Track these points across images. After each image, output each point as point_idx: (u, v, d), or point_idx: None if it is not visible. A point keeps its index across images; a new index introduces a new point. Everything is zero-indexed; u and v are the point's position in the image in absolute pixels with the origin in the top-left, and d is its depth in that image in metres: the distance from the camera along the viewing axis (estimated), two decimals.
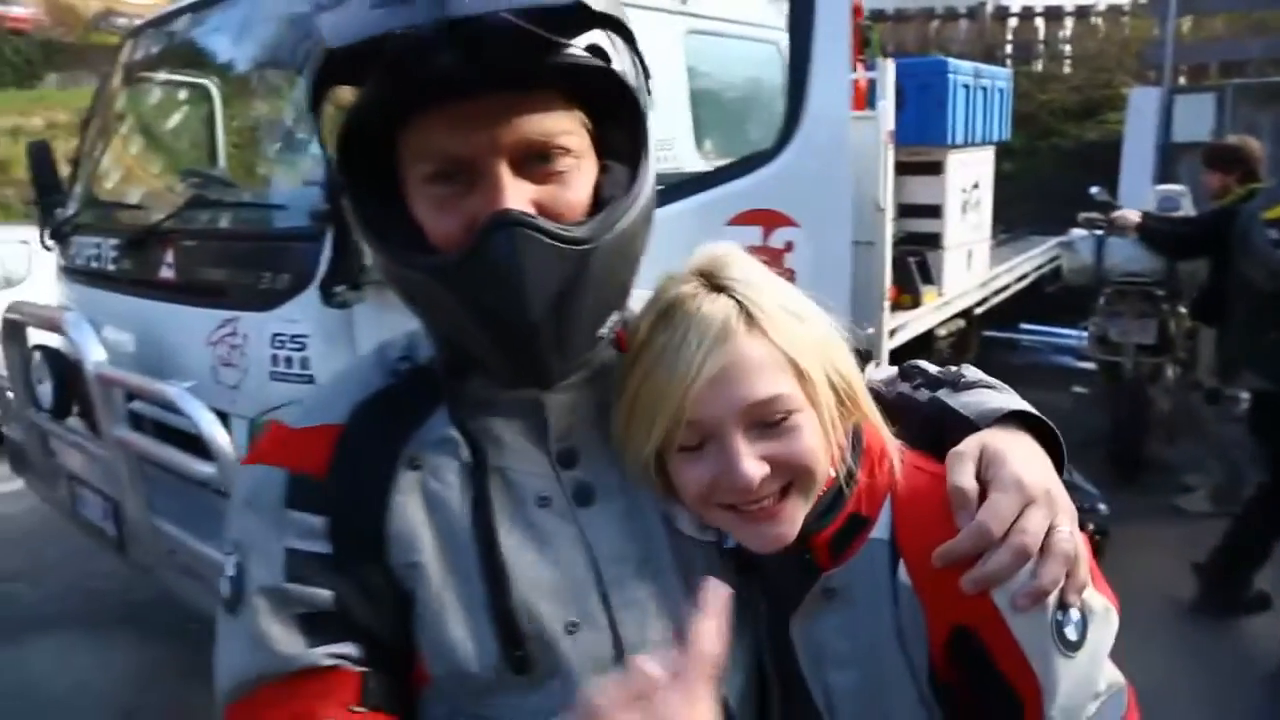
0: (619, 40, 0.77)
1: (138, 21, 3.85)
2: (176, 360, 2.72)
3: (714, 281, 0.81)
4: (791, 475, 0.81)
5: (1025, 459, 0.83)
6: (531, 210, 0.73)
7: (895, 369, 1.05)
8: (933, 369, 1.02)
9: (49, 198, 3.68)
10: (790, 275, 2.07)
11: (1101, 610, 0.81)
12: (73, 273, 3.38)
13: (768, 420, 0.79)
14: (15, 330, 3.17)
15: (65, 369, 2.96)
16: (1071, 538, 0.79)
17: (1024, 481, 0.80)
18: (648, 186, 0.81)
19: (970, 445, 0.84)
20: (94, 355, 2.71)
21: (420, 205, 0.76)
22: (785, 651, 0.86)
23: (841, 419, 0.84)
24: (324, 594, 0.78)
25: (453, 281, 0.74)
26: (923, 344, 5.09)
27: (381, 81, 0.69)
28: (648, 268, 2.25)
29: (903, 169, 4.53)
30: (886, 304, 4.03)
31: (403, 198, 0.77)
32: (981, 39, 11.08)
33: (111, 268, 3.08)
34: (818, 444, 0.81)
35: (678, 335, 0.79)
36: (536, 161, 0.74)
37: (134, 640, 3.77)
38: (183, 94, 3.91)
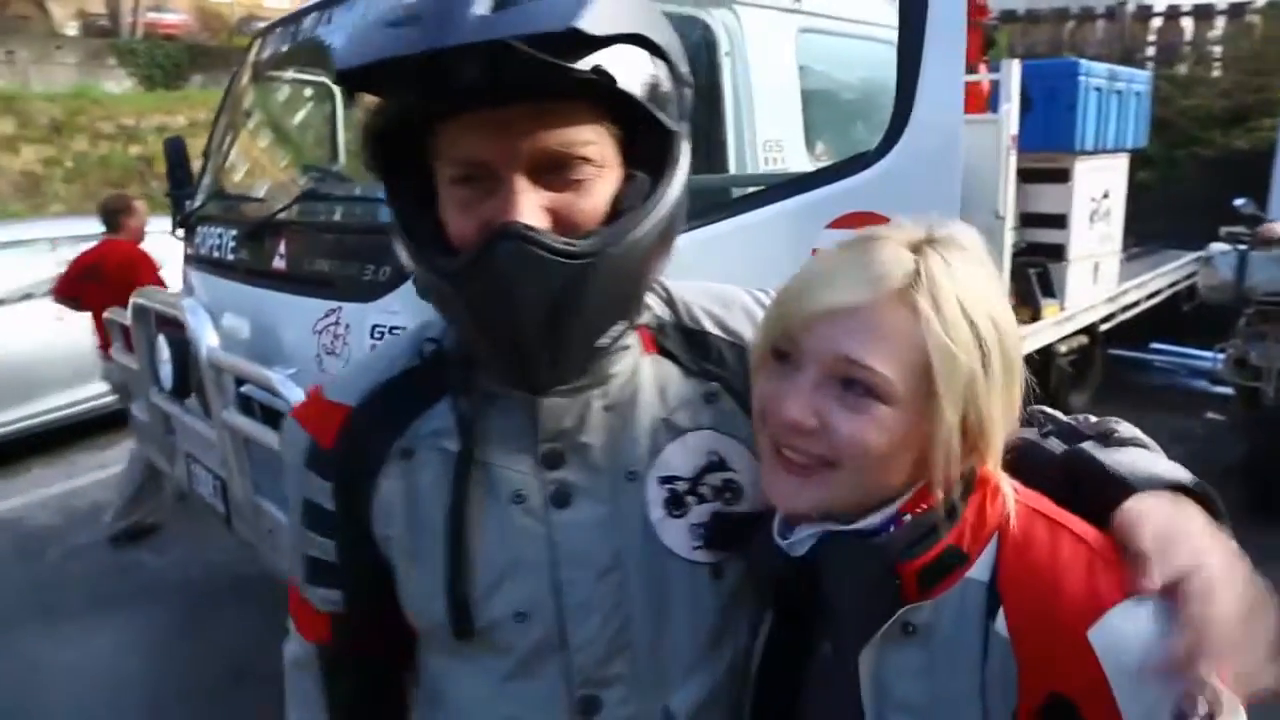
0: (641, 55, 0.76)
1: None
2: (286, 347, 2.82)
3: (917, 241, 0.76)
4: (835, 454, 0.75)
5: (1204, 529, 0.75)
6: (545, 219, 0.75)
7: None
8: (1063, 417, 0.92)
9: (180, 190, 3.88)
10: None
11: (1229, 705, 0.69)
12: (196, 261, 3.55)
13: (849, 386, 0.73)
14: (143, 315, 3.35)
15: (184, 352, 3.10)
16: (1252, 636, 0.69)
17: (1206, 556, 0.72)
18: (670, 197, 0.80)
19: (1150, 508, 0.75)
20: (208, 340, 2.83)
21: (446, 205, 0.79)
22: (843, 684, 0.78)
23: (960, 457, 0.76)
24: (326, 543, 0.95)
25: (456, 285, 0.77)
26: (1042, 360, 4.85)
27: (398, 96, 0.74)
28: (745, 271, 2.18)
29: (1026, 176, 4.33)
30: None
31: (435, 198, 0.80)
32: (1120, 40, 10.50)
33: (230, 257, 3.22)
34: (879, 445, 0.73)
35: (838, 260, 0.76)
36: (555, 169, 0.76)
37: (245, 609, 3.94)
38: (307, 92, 4.06)
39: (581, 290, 0.75)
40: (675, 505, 0.89)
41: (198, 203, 3.73)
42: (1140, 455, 0.83)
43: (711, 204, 2.35)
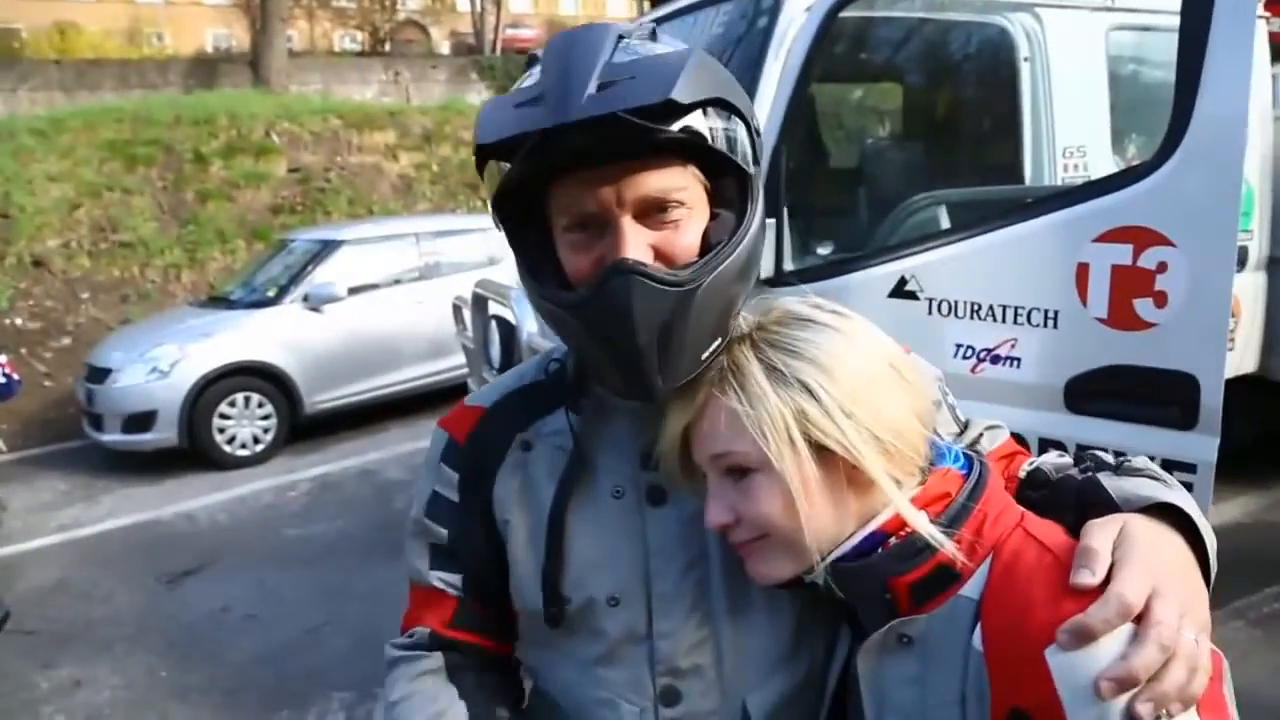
0: (723, 114, 0.88)
1: None
2: None
3: (752, 332, 0.91)
4: (759, 531, 0.86)
5: (1163, 547, 0.79)
6: (649, 255, 0.86)
7: (1073, 456, 1.00)
8: (1109, 456, 0.95)
9: None
10: (1162, 298, 1.93)
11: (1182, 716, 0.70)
12: None
13: (732, 475, 0.87)
14: (480, 302, 3.92)
15: (511, 336, 3.61)
16: (1197, 646, 0.71)
17: (1158, 567, 0.75)
18: (752, 231, 0.91)
19: (1109, 520, 0.81)
20: (528, 326, 3.29)
21: (562, 249, 0.90)
22: (853, 683, 0.89)
23: (899, 466, 0.85)
24: (442, 530, 1.06)
25: (579, 314, 0.87)
26: None
27: (525, 161, 0.83)
28: (1009, 284, 2.16)
29: None
30: None
31: (552, 246, 0.92)
32: None
33: None
34: (776, 505, 0.84)
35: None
36: (655, 212, 0.87)
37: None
38: None
39: (685, 313, 0.85)
40: None
41: None
42: (1142, 483, 0.86)
43: (983, 215, 2.37)
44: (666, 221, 0.88)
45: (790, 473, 0.83)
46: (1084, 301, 1.97)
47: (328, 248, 7.53)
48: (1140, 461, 0.93)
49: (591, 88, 0.80)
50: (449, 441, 1.08)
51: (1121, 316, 1.92)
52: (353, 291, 7.22)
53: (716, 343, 0.92)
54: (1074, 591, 0.74)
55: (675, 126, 0.83)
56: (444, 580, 1.07)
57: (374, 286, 7.43)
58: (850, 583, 0.86)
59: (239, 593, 4.63)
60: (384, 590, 4.36)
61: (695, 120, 0.85)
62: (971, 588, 0.81)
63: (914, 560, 0.83)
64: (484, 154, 0.87)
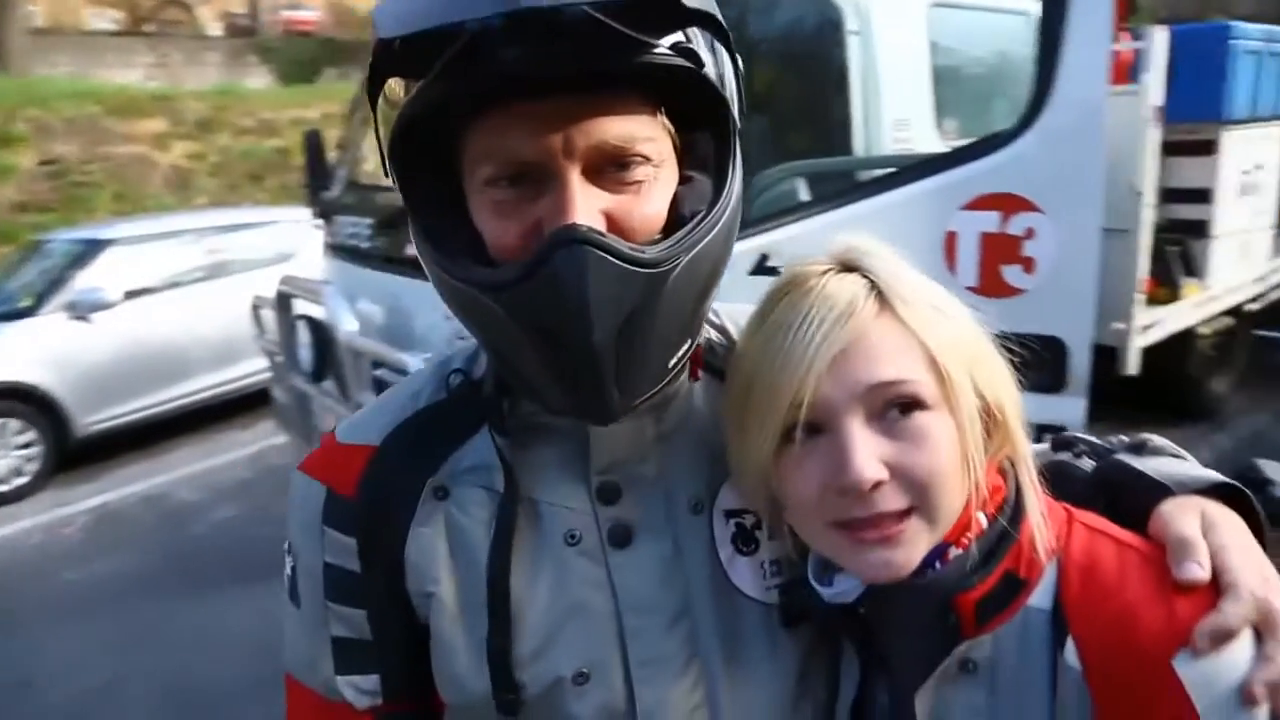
0: (712, 39, 0.69)
1: None
2: (419, 333, 2.93)
3: (845, 262, 0.73)
4: (915, 495, 0.68)
5: (1244, 530, 0.71)
6: (601, 223, 0.65)
7: (1047, 444, 0.90)
8: (1096, 439, 0.87)
9: (318, 181, 4.07)
10: (1030, 264, 1.94)
11: None
12: (334, 249, 3.72)
13: (891, 412, 0.68)
14: (284, 301, 3.54)
15: (323, 337, 3.27)
16: None
17: (1254, 552, 0.69)
18: (734, 202, 0.72)
19: (1183, 505, 0.72)
20: (346, 325, 2.97)
21: (480, 209, 0.69)
22: None
23: (986, 446, 0.71)
24: (356, 614, 0.81)
25: (509, 299, 0.65)
26: (1181, 343, 4.60)
27: (443, 77, 0.61)
28: None
29: (1170, 149, 4.09)
30: (1140, 298, 3.66)
31: (462, 203, 0.71)
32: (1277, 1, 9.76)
33: (366, 245, 3.36)
34: (950, 458, 0.69)
35: (797, 313, 0.70)
36: (611, 169, 0.67)
37: None
38: None
39: (654, 304, 0.66)
40: (744, 541, 0.80)
41: (334, 193, 3.90)
42: (1174, 463, 0.80)
43: (844, 186, 2.32)
44: (626, 182, 0.67)
45: (970, 412, 0.69)
46: (952, 270, 1.95)
47: (93, 248, 6.68)
48: (1160, 441, 0.83)
49: None
50: (329, 496, 0.81)
51: (991, 284, 1.92)
52: (128, 296, 6.44)
53: (686, 345, 0.74)
54: (1181, 589, 0.67)
55: (665, 43, 0.62)
56: (357, 687, 0.81)
57: (152, 290, 6.66)
58: (901, 606, 0.72)
59: (7, 656, 3.96)
60: (187, 630, 3.88)
61: (691, 38, 0.65)
62: (1041, 597, 0.71)
63: (981, 572, 0.71)
64: (385, 63, 0.63)
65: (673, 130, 0.71)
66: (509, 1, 0.57)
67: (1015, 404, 0.73)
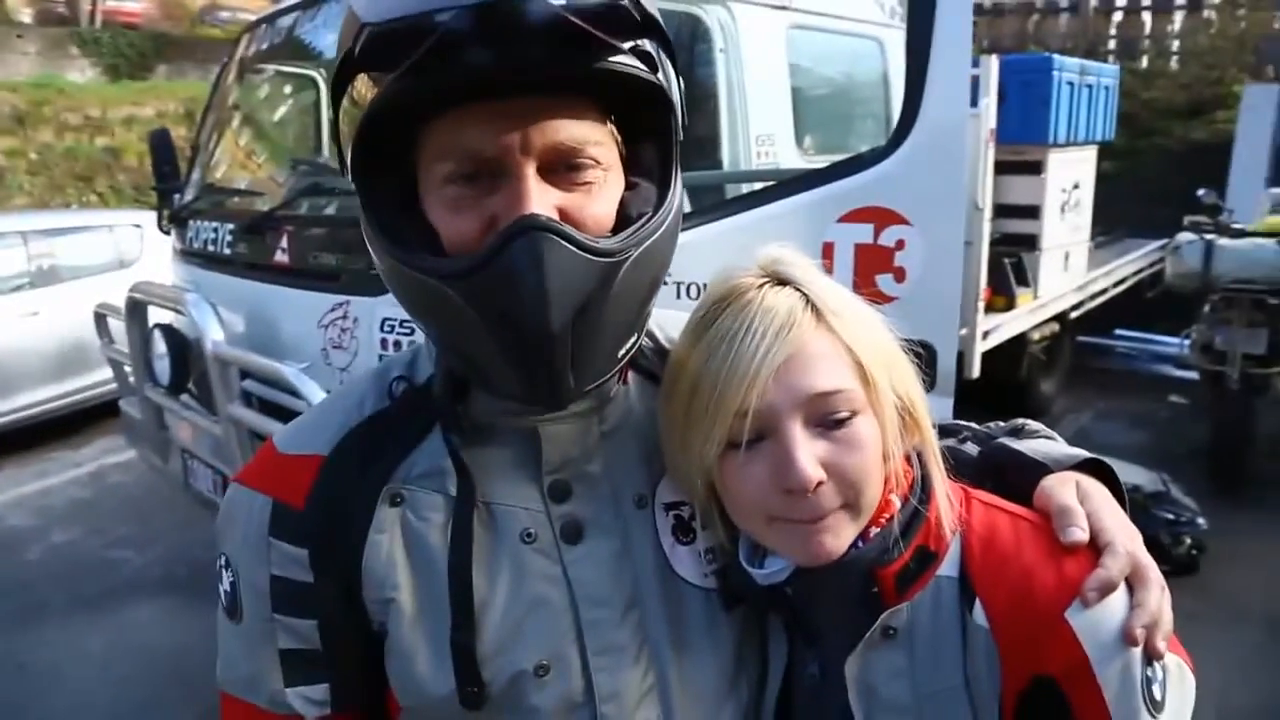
0: (660, 51, 0.73)
1: (241, 15, 4.00)
2: (288, 341, 2.83)
3: (778, 275, 0.79)
4: (847, 492, 0.76)
5: (1109, 497, 0.82)
6: (556, 217, 0.69)
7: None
8: (978, 426, 0.99)
9: (167, 184, 3.85)
10: (901, 273, 2.08)
11: (1177, 668, 0.76)
12: (189, 255, 3.54)
13: (828, 419, 0.75)
14: (137, 309, 3.33)
15: (183, 347, 3.10)
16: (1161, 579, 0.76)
17: (1120, 514, 0.79)
18: (677, 206, 0.77)
19: (1061, 479, 0.83)
20: (213, 334, 2.84)
21: (436, 206, 0.71)
22: (832, 702, 0.81)
23: (903, 439, 0.80)
24: (306, 624, 0.81)
25: (469, 286, 0.68)
26: (1015, 347, 4.98)
27: (412, 73, 0.63)
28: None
29: (1001, 168, 4.44)
30: (980, 305, 3.96)
31: (416, 199, 0.73)
32: (1084, 34, 10.72)
33: (228, 251, 3.22)
34: (875, 457, 0.77)
35: (739, 323, 0.75)
36: (563, 169, 0.70)
37: None
38: (293, 85, 4.05)
39: (607, 292, 0.70)
40: (683, 532, 0.85)
41: (189, 197, 3.71)
42: (1047, 443, 0.92)
43: (723, 199, 2.41)
44: (578, 183, 0.71)
45: (891, 413, 0.77)
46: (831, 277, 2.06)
47: None
48: (1035, 425, 0.97)
49: None
50: (277, 507, 0.81)
51: (866, 292, 2.02)
52: None
53: (632, 339, 0.79)
54: (1068, 550, 0.76)
55: (626, 49, 0.66)
56: (306, 697, 0.81)
57: None
58: (829, 582, 0.79)
59: None
60: (30, 666, 3.59)
61: (648, 48, 0.69)
62: (949, 567, 0.80)
63: (898, 547, 0.79)
64: (362, 56, 0.65)
65: (619, 138, 0.76)
66: None
67: (923, 399, 0.82)
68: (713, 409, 0.75)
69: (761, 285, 0.78)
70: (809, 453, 0.74)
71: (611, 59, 0.67)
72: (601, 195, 0.73)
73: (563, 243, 0.67)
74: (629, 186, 0.76)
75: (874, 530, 0.79)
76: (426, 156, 0.71)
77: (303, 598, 0.80)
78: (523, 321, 0.67)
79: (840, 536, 0.77)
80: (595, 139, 0.72)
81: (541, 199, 0.69)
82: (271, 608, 0.81)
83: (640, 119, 0.75)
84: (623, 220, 0.74)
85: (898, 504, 0.81)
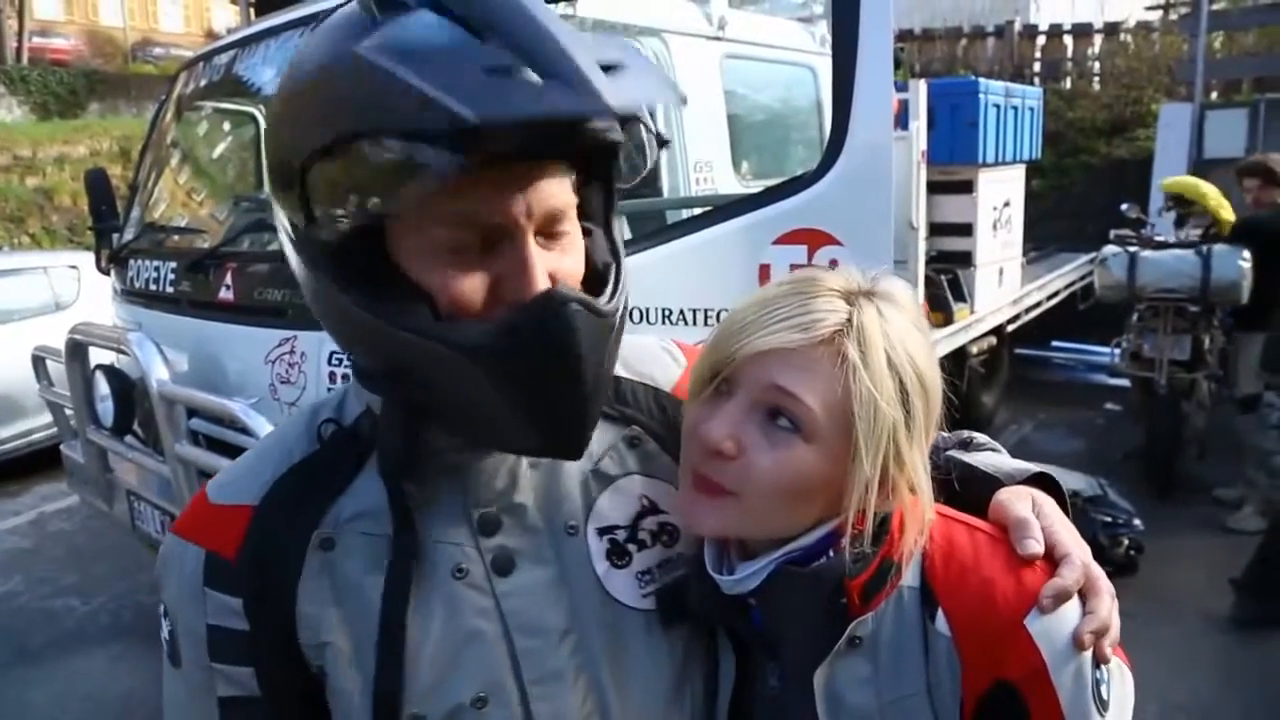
0: None
1: (175, 51, 3.98)
2: (234, 378, 2.82)
3: (855, 291, 0.79)
4: (743, 486, 0.78)
5: (1057, 508, 0.86)
6: (548, 281, 0.71)
7: None
8: (945, 436, 1.01)
9: (105, 223, 3.80)
10: None
11: (1118, 669, 0.79)
12: (131, 295, 3.50)
13: (774, 417, 0.77)
14: (78, 350, 3.29)
15: (127, 387, 3.07)
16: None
17: (1070, 526, 0.83)
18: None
19: (1015, 493, 0.86)
20: (158, 373, 2.81)
21: (432, 266, 0.70)
22: (796, 711, 0.83)
23: (878, 503, 0.81)
24: (243, 670, 0.81)
25: (493, 356, 0.69)
26: (955, 362, 5.12)
27: (452, 151, 0.61)
28: (700, 286, 2.35)
29: (934, 188, 4.59)
30: None
31: (382, 257, 0.72)
32: (1010, 57, 11.10)
33: (171, 290, 3.19)
34: (792, 485, 0.78)
35: (776, 301, 0.78)
36: (546, 228, 0.73)
37: None
38: (231, 122, 4.05)
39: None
40: (618, 555, 0.87)
41: (129, 236, 3.67)
42: (996, 456, 0.95)
43: (663, 225, 2.47)
44: (556, 239, 0.74)
45: (862, 481, 0.76)
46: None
47: None
48: (982, 438, 1.00)
49: (596, 71, 0.63)
50: (209, 558, 0.81)
51: None
52: None
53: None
54: (1025, 561, 0.79)
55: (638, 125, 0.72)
56: None
57: None
58: (799, 591, 0.81)
59: None
60: None
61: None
62: (910, 577, 0.81)
63: (867, 559, 0.81)
64: (465, 140, 0.61)
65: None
66: (585, 104, 0.62)
67: (924, 475, 0.81)
68: (711, 349, 0.81)
69: (830, 290, 0.79)
70: (735, 423, 0.77)
71: (610, 135, 0.69)
72: (573, 249, 0.75)
73: (586, 311, 0.70)
74: (585, 233, 0.78)
75: (844, 540, 0.80)
76: (422, 218, 0.69)
77: (239, 646, 0.81)
78: (559, 385, 0.71)
79: (718, 522, 0.80)
80: (569, 197, 0.74)
81: (542, 266, 0.71)
82: (209, 656, 0.81)
83: (592, 169, 0.77)
84: (591, 270, 0.77)
85: (869, 517, 0.81)
